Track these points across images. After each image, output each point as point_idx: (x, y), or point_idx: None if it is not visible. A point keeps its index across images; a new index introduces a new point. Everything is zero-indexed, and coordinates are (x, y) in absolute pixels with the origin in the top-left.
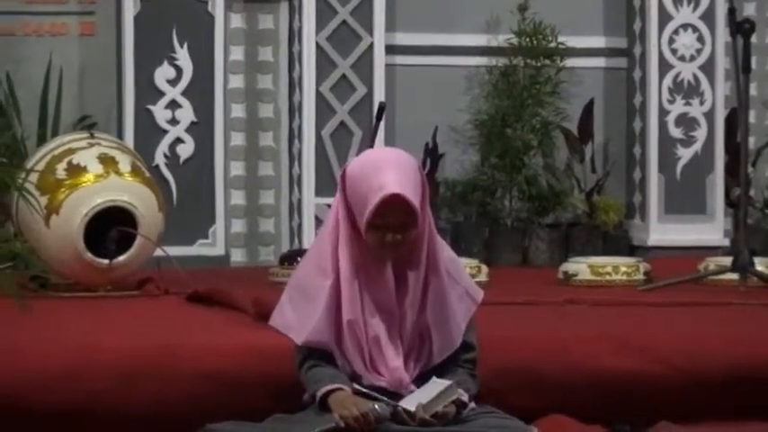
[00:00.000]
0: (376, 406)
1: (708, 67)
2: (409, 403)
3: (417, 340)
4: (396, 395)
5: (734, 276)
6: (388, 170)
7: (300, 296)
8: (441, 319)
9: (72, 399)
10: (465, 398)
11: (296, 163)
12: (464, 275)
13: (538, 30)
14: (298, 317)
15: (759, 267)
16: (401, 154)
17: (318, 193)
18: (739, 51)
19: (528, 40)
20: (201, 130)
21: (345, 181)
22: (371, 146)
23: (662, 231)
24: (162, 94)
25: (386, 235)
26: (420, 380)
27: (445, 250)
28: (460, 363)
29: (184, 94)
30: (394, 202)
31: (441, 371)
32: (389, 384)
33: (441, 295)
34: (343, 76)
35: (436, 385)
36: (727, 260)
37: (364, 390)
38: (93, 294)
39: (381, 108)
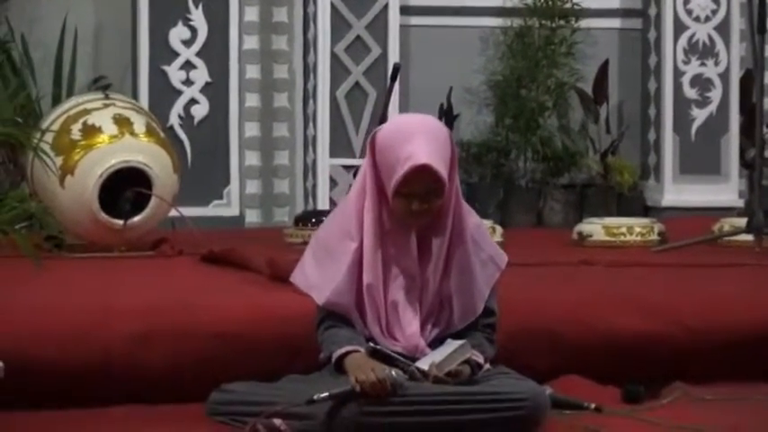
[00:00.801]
0: (393, 372)
1: (723, 28)
2: (423, 363)
3: (437, 307)
4: (411, 358)
5: (748, 237)
6: (417, 139)
7: (324, 256)
8: (464, 287)
9: (87, 359)
10: (480, 359)
11: (310, 124)
12: (489, 241)
13: None
14: (320, 276)
15: None
16: (432, 122)
17: (333, 154)
18: (755, 12)
19: (543, 0)
20: (216, 90)
21: (375, 146)
22: (386, 107)
23: (676, 192)
24: (176, 54)
25: (412, 203)
26: (436, 343)
27: (472, 217)
28: (479, 327)
29: (199, 54)
30: (421, 173)
31: (458, 334)
32: (405, 350)
33: (465, 263)
34: (358, 37)
35: (450, 345)
36: (742, 221)
37: (380, 348)
38: (108, 255)
39: (396, 69)
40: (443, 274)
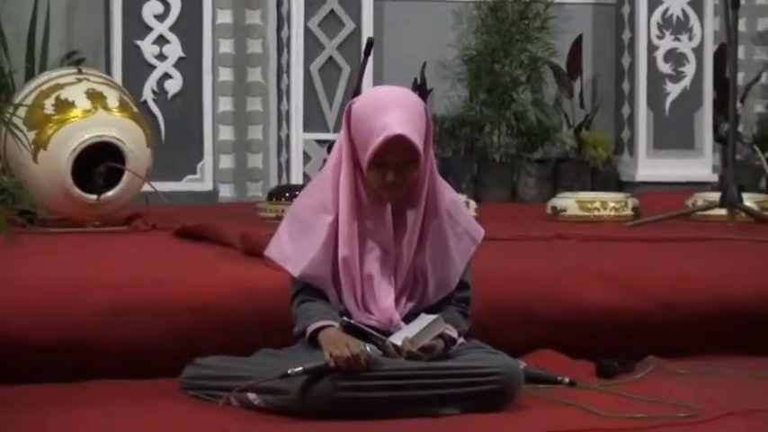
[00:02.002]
0: (367, 347)
1: (697, 3)
2: (397, 338)
3: (412, 281)
4: (385, 333)
5: (722, 212)
6: (392, 110)
7: (299, 230)
8: (438, 260)
9: (59, 333)
10: (453, 333)
11: (284, 98)
12: (465, 215)
13: None
14: (295, 249)
15: (747, 203)
16: (408, 94)
17: (306, 128)
18: None
19: None
20: (189, 65)
21: (350, 118)
22: (359, 81)
23: (650, 167)
24: (150, 29)
25: (387, 174)
26: (411, 318)
27: (447, 191)
28: (453, 301)
29: (172, 29)
30: (396, 143)
31: (433, 308)
32: (379, 323)
33: (440, 237)
34: (332, 12)
35: (423, 320)
36: (716, 196)
37: (354, 323)
38: (82, 230)
39: (370, 43)
40: (418, 247)
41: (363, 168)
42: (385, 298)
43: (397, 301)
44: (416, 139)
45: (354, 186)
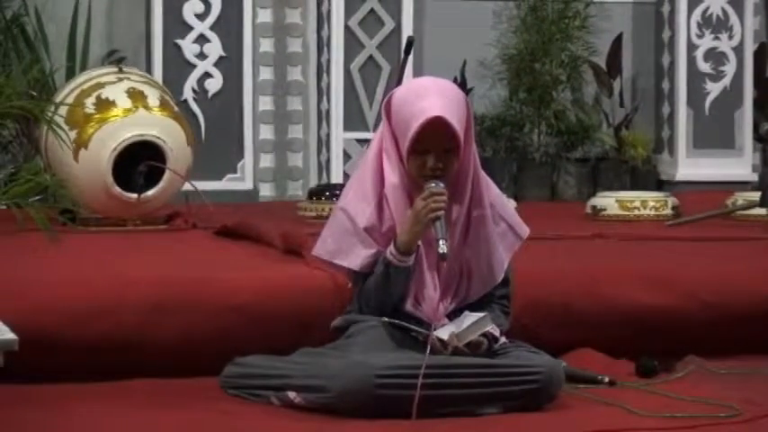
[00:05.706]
0: (432, 184)
1: (737, 2)
2: (443, 333)
3: (457, 275)
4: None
5: (762, 211)
6: (432, 96)
7: (345, 225)
8: (482, 254)
9: (100, 331)
10: (496, 332)
11: (324, 98)
12: (510, 212)
13: None
14: (339, 244)
15: None
16: (449, 83)
17: (347, 127)
18: None
19: None
20: (230, 64)
21: (390, 107)
22: (400, 80)
23: (690, 166)
24: (190, 28)
25: (427, 161)
26: (455, 315)
27: (491, 187)
28: (495, 299)
29: (213, 28)
30: (435, 126)
31: (475, 307)
32: (426, 314)
33: (483, 231)
34: (372, 11)
35: (469, 317)
36: (756, 195)
37: (395, 321)
38: (122, 228)
39: (410, 42)
40: (462, 240)
41: (404, 157)
42: (432, 290)
43: (443, 296)
44: (456, 124)
45: (399, 175)
